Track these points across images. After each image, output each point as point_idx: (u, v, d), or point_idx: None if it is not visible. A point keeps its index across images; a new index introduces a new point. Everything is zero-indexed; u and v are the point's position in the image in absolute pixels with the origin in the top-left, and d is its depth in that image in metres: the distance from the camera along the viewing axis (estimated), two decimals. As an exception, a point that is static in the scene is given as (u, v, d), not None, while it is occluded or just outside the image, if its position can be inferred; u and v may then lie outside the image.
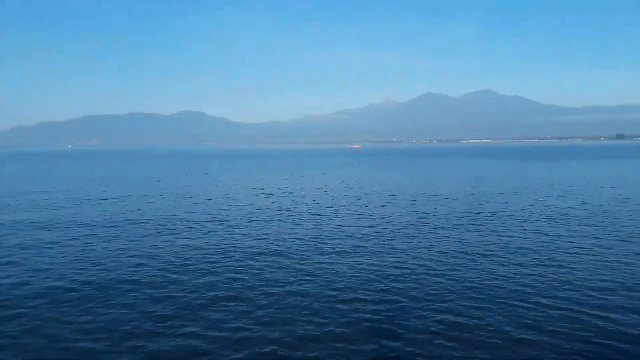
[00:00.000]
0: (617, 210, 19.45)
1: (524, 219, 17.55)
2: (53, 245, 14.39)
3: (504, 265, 11.76)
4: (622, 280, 10.36)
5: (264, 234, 15.80)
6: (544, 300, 9.28)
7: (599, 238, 14.33)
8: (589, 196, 24.39)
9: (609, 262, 11.75)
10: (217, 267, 11.97)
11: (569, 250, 12.83)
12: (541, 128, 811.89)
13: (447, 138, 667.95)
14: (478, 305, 9.12)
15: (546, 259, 12.13)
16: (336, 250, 13.59)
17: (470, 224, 16.75)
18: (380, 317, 8.66)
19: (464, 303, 9.22)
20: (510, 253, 12.80)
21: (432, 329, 8.16)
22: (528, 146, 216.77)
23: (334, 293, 9.92)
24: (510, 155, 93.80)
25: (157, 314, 8.91)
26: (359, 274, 11.21)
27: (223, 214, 19.92)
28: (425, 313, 8.79)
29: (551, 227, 16.02)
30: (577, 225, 16.38)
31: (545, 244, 13.55)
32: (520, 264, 11.88)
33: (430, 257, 12.68)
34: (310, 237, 15.23)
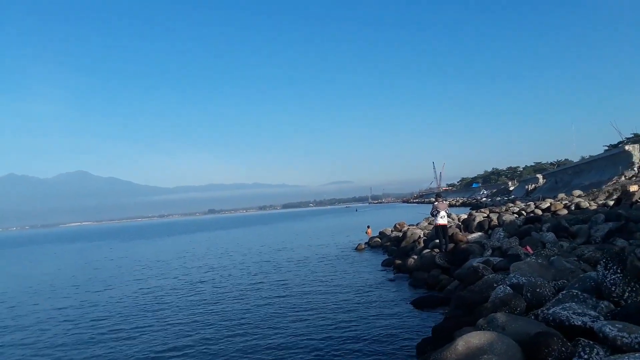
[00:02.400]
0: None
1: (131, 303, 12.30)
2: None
3: None
4: None
5: None
6: None
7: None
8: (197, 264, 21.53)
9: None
10: None
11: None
12: (142, 208, 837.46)
13: (42, 223, 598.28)
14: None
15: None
16: None
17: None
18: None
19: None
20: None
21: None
22: (134, 225, 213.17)
23: None
24: (118, 236, 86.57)
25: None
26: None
27: None
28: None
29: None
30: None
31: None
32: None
33: None
34: None
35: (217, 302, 13.91)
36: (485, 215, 22.73)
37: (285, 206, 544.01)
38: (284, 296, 14.02)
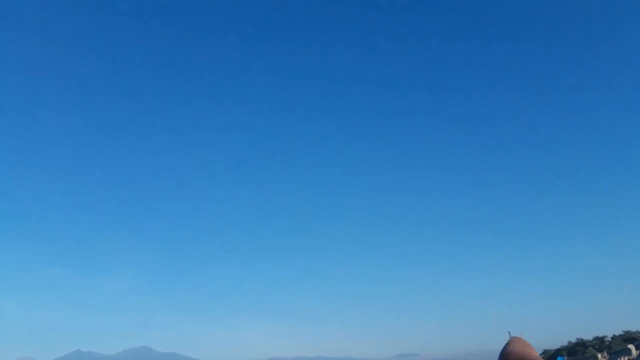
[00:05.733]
0: None
1: None
2: None
3: None
4: None
5: None
6: None
7: None
8: None
9: None
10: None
11: None
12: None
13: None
14: None
15: None
16: None
17: None
18: None
19: None
20: None
21: None
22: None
23: None
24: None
25: None
26: None
27: None
28: None
29: None
30: None
31: None
32: None
33: None
34: None
35: None
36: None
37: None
38: None
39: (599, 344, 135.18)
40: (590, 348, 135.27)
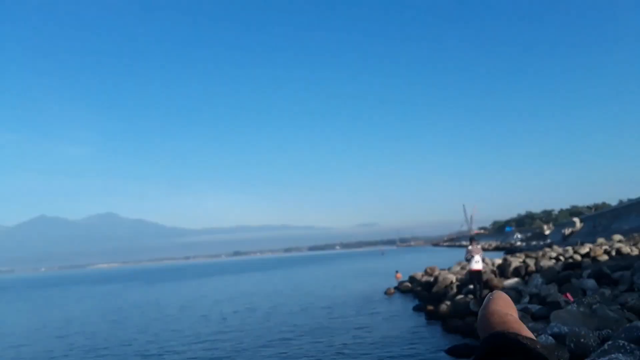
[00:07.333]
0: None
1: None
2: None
3: None
4: None
5: None
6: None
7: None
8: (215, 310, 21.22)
9: None
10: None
11: None
12: (168, 250, 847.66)
13: (71, 264, 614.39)
14: None
15: None
16: None
17: None
18: None
19: None
20: None
21: None
22: (159, 267, 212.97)
23: None
24: (146, 277, 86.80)
25: None
26: None
27: None
28: None
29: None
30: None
31: None
32: None
33: None
34: None
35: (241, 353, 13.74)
36: (521, 260, 22.11)
37: (311, 248, 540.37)
38: (313, 343, 13.80)
39: (546, 216, 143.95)
40: (537, 220, 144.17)
